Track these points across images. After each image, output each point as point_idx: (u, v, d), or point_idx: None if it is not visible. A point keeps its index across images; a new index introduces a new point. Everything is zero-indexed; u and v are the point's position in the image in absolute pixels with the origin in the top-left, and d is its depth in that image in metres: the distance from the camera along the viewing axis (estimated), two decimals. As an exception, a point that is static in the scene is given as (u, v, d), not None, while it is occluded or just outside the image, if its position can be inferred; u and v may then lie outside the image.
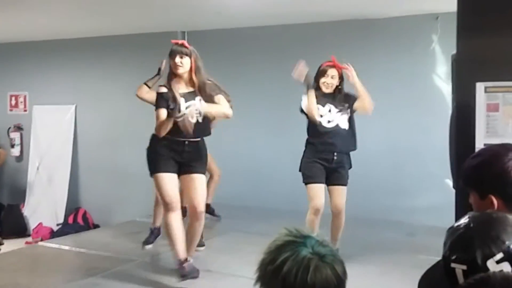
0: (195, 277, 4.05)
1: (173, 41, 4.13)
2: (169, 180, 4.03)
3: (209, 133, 4.22)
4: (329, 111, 4.40)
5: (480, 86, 2.47)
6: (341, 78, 4.44)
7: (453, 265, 1.29)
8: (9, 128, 8.60)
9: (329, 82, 4.39)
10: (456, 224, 1.37)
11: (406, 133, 6.16)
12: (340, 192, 4.43)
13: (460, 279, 1.26)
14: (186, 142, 4.04)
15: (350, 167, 4.52)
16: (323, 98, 4.40)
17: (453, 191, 3.02)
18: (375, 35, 6.35)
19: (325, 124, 4.38)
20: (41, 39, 8.04)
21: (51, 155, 8.24)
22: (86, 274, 4.48)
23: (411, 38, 6.18)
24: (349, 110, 4.45)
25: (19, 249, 5.92)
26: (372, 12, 6.04)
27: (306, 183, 4.42)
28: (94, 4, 5.57)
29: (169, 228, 4.02)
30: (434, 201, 5.48)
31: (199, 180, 4.10)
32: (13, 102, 8.72)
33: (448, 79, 5.61)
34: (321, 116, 4.37)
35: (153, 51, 7.51)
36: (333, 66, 4.40)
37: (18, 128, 8.62)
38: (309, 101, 4.31)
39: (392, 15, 6.10)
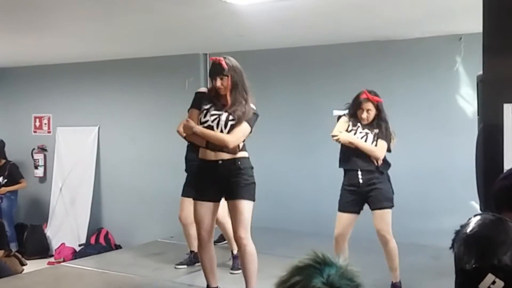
0: None
1: (212, 58, 4.02)
2: None
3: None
4: (357, 128, 4.34)
5: (508, 108, 2.43)
6: (378, 110, 4.31)
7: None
8: (33, 149, 8.69)
9: (364, 117, 4.31)
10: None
11: (430, 155, 6.09)
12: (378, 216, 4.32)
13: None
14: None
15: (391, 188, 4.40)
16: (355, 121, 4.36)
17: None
18: (396, 56, 6.32)
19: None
20: (65, 62, 8.16)
21: (74, 176, 8.31)
22: (108, 295, 4.49)
23: (434, 59, 6.14)
24: (376, 138, 4.34)
25: (41, 270, 5.93)
26: (394, 33, 6.03)
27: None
28: (116, 28, 5.64)
29: None
30: (459, 223, 5.36)
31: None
32: (37, 123, 8.84)
33: (472, 100, 5.55)
34: (349, 131, 4.34)
35: (175, 73, 7.62)
36: (368, 100, 4.29)
37: (42, 149, 8.71)
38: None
39: (414, 36, 6.08)
